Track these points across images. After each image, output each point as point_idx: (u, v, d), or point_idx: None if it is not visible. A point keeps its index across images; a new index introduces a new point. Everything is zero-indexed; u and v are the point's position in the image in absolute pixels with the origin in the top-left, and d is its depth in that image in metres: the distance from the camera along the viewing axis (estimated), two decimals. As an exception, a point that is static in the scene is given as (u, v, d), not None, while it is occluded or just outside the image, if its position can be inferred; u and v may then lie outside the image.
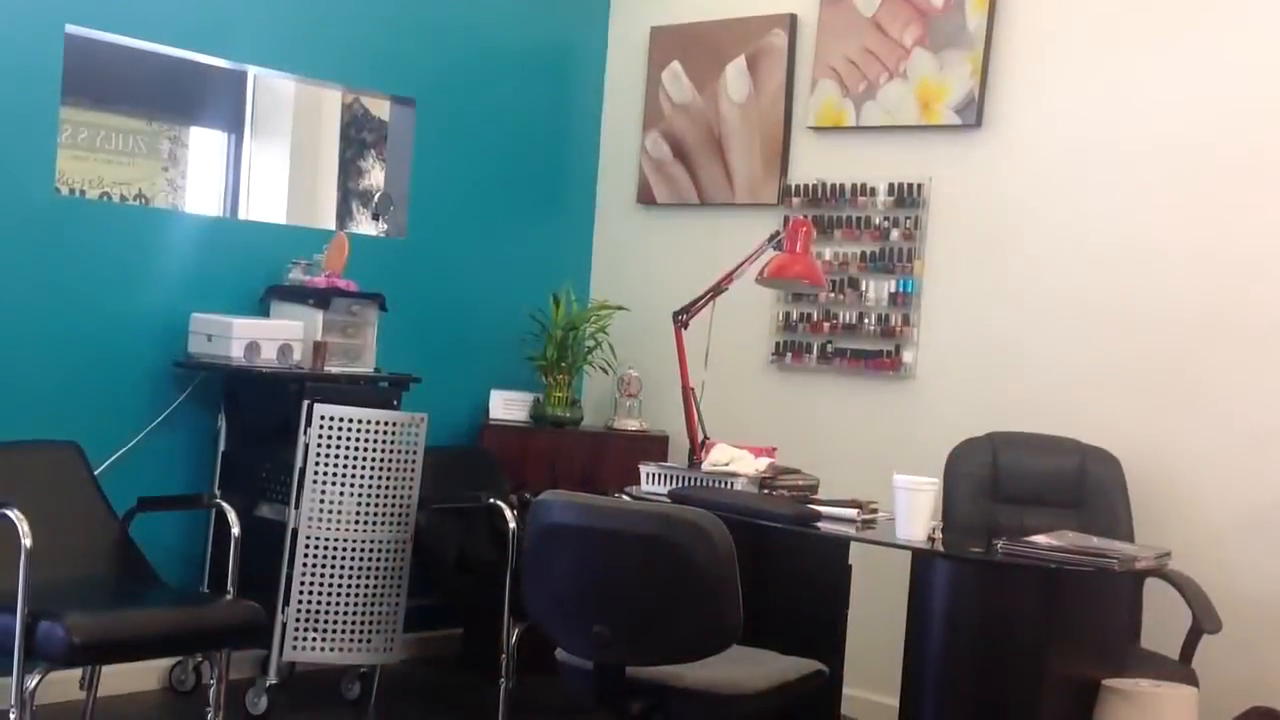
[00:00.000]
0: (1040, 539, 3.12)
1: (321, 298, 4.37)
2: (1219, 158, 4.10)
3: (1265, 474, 3.96)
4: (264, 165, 5.40)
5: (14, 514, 3.25)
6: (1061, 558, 3.01)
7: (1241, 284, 4.04)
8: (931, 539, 3.27)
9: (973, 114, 4.53)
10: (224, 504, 3.81)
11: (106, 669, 3.77)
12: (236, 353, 4.17)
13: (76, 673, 3.75)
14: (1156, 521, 3.98)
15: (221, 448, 4.35)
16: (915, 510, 3.26)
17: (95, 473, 3.93)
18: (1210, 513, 4.03)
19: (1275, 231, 3.99)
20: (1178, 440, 4.11)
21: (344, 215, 5.33)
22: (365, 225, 5.14)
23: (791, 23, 4.99)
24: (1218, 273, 4.09)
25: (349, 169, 5.35)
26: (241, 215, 5.25)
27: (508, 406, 5.13)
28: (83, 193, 5.00)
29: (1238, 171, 4.07)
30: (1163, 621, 3.75)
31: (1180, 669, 3.53)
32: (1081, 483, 4.00)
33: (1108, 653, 3.23)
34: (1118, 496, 3.96)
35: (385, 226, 4.96)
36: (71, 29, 4.09)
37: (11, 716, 3.22)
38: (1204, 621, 3.58)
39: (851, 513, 3.50)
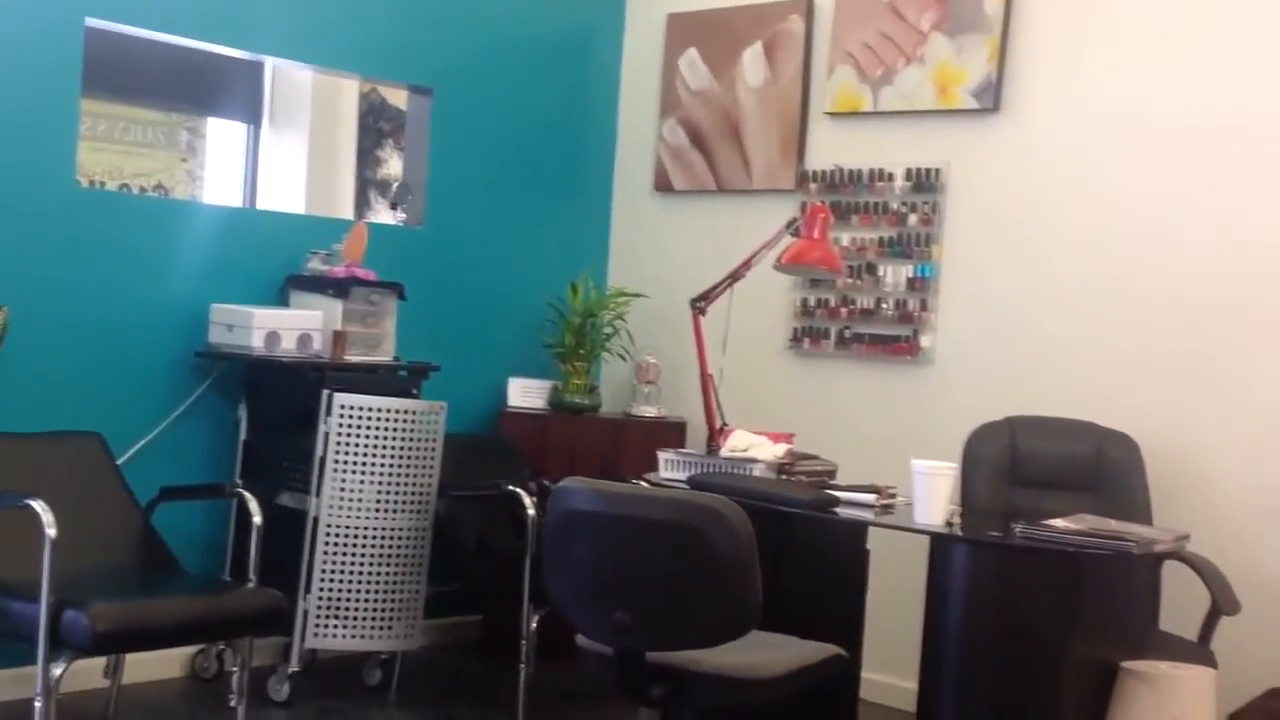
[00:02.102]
0: (1058, 522, 3.12)
1: (341, 287, 4.39)
2: (1239, 142, 4.08)
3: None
4: (282, 155, 5.41)
5: (38, 504, 3.28)
6: (1080, 541, 3.02)
7: (1260, 268, 4.03)
8: (950, 523, 3.28)
9: (990, 98, 4.52)
10: (245, 493, 3.84)
11: (130, 657, 3.81)
12: (257, 342, 4.20)
13: (100, 661, 3.80)
14: (1175, 504, 3.98)
15: (242, 437, 4.38)
16: (933, 495, 3.26)
17: (118, 463, 3.97)
18: (1229, 496, 4.03)
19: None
20: (1196, 424, 4.10)
21: (362, 205, 5.35)
22: (383, 215, 5.16)
23: (808, 8, 4.98)
24: (1236, 256, 4.07)
25: (367, 159, 5.37)
26: (260, 205, 5.27)
27: (526, 394, 5.15)
28: (102, 184, 5.02)
29: (1258, 156, 4.05)
30: (1181, 604, 3.75)
31: (1199, 651, 3.54)
32: (1099, 466, 4.00)
33: (1126, 635, 3.23)
34: (1136, 480, 3.95)
35: (403, 216, 4.98)
36: (92, 22, 4.11)
37: (37, 705, 3.26)
38: (1222, 604, 3.58)
39: (870, 498, 3.51)
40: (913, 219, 4.71)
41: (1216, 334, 4.10)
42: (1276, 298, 4.00)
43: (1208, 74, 4.15)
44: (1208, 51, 4.15)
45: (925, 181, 4.68)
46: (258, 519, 3.75)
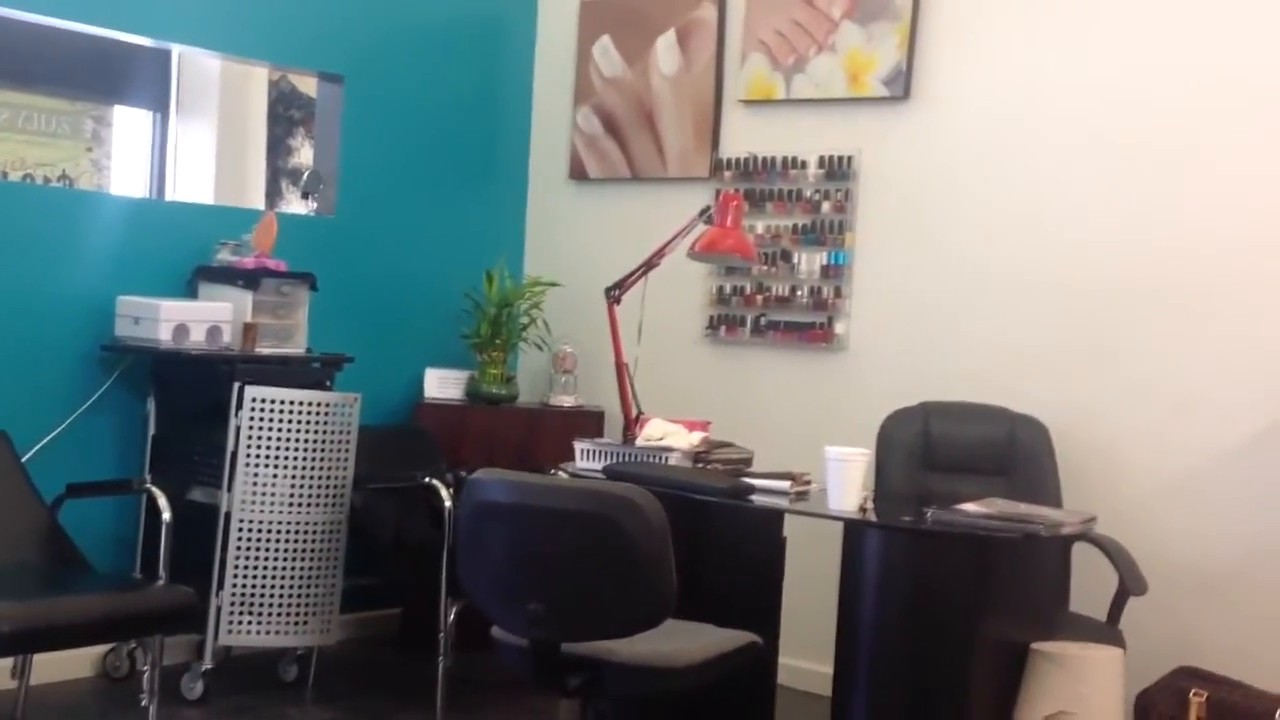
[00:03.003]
0: (969, 506, 3.16)
1: (250, 278, 4.33)
2: (1143, 132, 4.15)
3: (1187, 441, 4.04)
4: (191, 144, 5.32)
5: (-61, 503, 3.20)
6: (989, 525, 3.06)
7: (1163, 257, 4.10)
8: (863, 509, 3.31)
9: (900, 86, 4.56)
10: (154, 489, 3.78)
11: (39, 657, 3.73)
12: (164, 335, 4.13)
13: (8, 662, 3.72)
14: (1084, 487, 4.04)
15: (151, 431, 4.31)
16: (846, 481, 3.29)
17: (23, 460, 3.88)
18: (1136, 479, 4.10)
19: (1196, 206, 4.05)
20: (1104, 408, 4.17)
21: (273, 194, 5.27)
22: (295, 204, 5.09)
23: (720, -4, 4.99)
24: (1140, 245, 4.14)
25: (277, 147, 5.29)
26: (168, 196, 5.17)
27: (443, 384, 5.12)
28: (5, 175, 4.91)
29: (1161, 146, 4.12)
30: (1091, 585, 3.81)
31: (1107, 631, 3.60)
32: (1011, 450, 4.05)
33: (1037, 617, 3.28)
34: (1046, 463, 4.02)
35: (315, 205, 4.92)
36: (-9, 8, 4.02)
37: (-58, 707, 3.19)
38: (1130, 584, 3.65)
39: (785, 485, 3.52)
40: (826, 206, 4.74)
41: (1120, 321, 4.17)
42: (1178, 286, 4.08)
43: (1111, 65, 4.21)
44: (1110, 43, 4.21)
45: (838, 169, 4.71)
46: (167, 515, 3.69)
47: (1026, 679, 3.11)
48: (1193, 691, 3.54)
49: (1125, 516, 3.94)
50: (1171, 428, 4.07)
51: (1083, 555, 3.82)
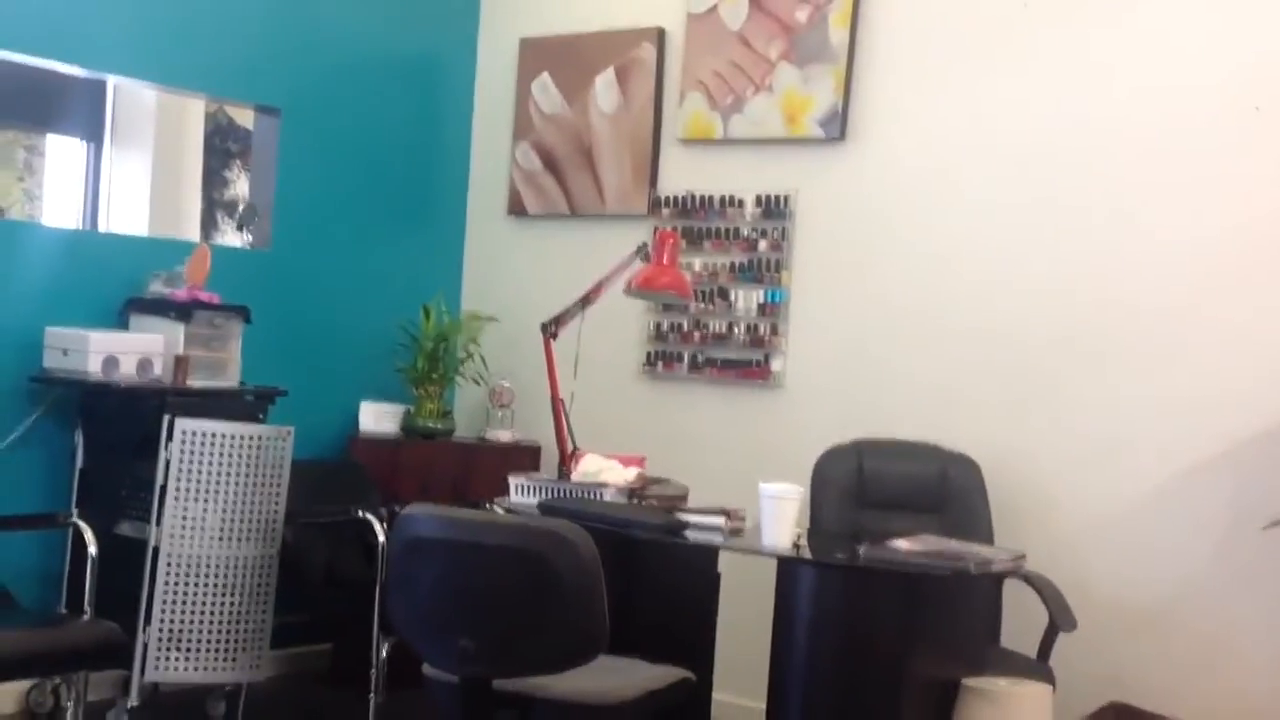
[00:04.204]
0: (900, 543, 3.18)
1: (182, 310, 4.29)
2: (1074, 180, 4.21)
3: (1116, 481, 4.09)
4: (125, 175, 5.27)
5: None
6: (920, 562, 3.08)
7: (1093, 301, 4.16)
8: (797, 546, 3.32)
9: (836, 127, 4.61)
10: (80, 523, 3.72)
11: (-41, 694, 3.66)
12: (94, 367, 4.08)
13: (-74, 699, 3.64)
14: (1016, 525, 4.08)
15: (79, 464, 4.24)
16: (780, 518, 3.30)
17: (-54, 492, 3.82)
18: (1067, 517, 4.15)
19: (1124, 252, 4.12)
20: (1035, 448, 4.22)
21: (208, 226, 5.24)
22: (230, 237, 5.06)
23: (659, 36, 5.03)
24: (1071, 289, 4.20)
25: (213, 179, 5.26)
26: (102, 227, 5.12)
27: (378, 419, 5.09)
28: (-66, 204, 4.84)
29: (1092, 190, 4.19)
30: (1021, 621, 3.84)
31: (1037, 667, 3.63)
32: (944, 488, 4.09)
33: (967, 652, 3.30)
34: (978, 501, 4.05)
35: (250, 238, 4.89)
36: (-80, 35, 3.97)
37: None
38: (1060, 621, 3.68)
39: (719, 521, 3.53)
40: (763, 245, 4.77)
41: (1050, 363, 4.22)
42: (1108, 332, 4.14)
43: (1044, 114, 4.27)
44: (1044, 92, 4.28)
45: (775, 208, 4.75)
46: (93, 549, 3.64)
47: (957, 714, 3.13)
48: (1121, 727, 3.58)
49: (1056, 554, 3.98)
50: (1101, 468, 4.12)
51: (1013, 592, 3.85)
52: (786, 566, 3.20)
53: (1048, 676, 3.55)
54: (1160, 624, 3.98)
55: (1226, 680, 3.85)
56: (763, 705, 3.26)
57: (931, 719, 3.13)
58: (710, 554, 3.67)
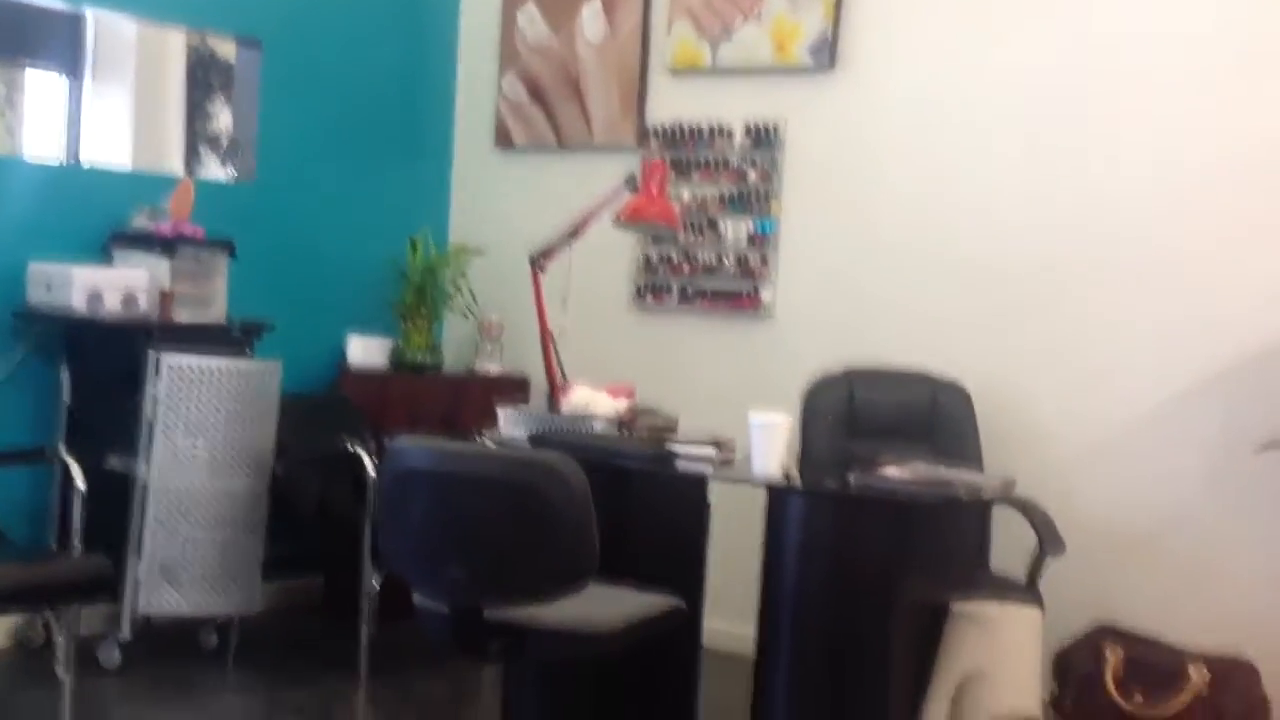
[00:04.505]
0: (891, 471, 3.18)
1: (167, 245, 4.25)
2: (1061, 109, 4.19)
3: (1105, 407, 4.10)
4: (106, 109, 5.20)
5: None
6: (911, 489, 3.08)
7: (1084, 227, 4.16)
8: (786, 475, 3.31)
9: (826, 56, 4.56)
10: (68, 458, 3.71)
11: (-50, 629, 3.67)
12: (78, 302, 4.05)
13: (-82, 634, 3.65)
14: (1005, 451, 4.09)
15: (65, 400, 4.23)
16: (770, 447, 3.29)
17: (-68, 429, 3.80)
18: (1056, 443, 4.16)
19: (1116, 177, 4.10)
20: (1024, 375, 4.22)
21: (191, 160, 5.17)
22: (214, 170, 5.00)
23: (646, -38, 4.96)
24: (1061, 215, 4.19)
25: (195, 112, 5.18)
26: (84, 161, 5.06)
27: (366, 352, 5.07)
28: (-88, 139, 4.77)
29: (1083, 117, 4.16)
30: (1010, 546, 3.86)
31: (1026, 591, 3.64)
32: (933, 415, 4.09)
33: (956, 577, 3.31)
34: (968, 428, 4.05)
35: (234, 171, 4.84)
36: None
37: None
38: (1048, 545, 3.69)
39: (709, 451, 3.51)
40: (752, 175, 4.74)
41: (1040, 290, 4.22)
42: (1093, 261, 4.13)
43: (1033, 44, 4.24)
44: (1034, 22, 4.24)
45: (764, 138, 4.71)
46: (81, 484, 3.62)
47: (946, 638, 3.14)
48: (1109, 648, 3.61)
49: (1044, 479, 4.00)
50: (1090, 393, 4.12)
51: (1002, 517, 3.86)
52: (776, 495, 3.20)
53: (1036, 600, 3.56)
54: (1148, 547, 4.00)
55: (1214, 602, 3.88)
56: (753, 632, 3.27)
57: (921, 643, 3.14)
58: (700, 484, 3.66)
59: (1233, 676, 3.48)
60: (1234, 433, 3.85)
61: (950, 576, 3.29)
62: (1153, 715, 3.48)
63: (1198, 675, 3.45)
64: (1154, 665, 3.54)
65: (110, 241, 4.34)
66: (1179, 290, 3.98)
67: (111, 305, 4.11)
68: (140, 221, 4.34)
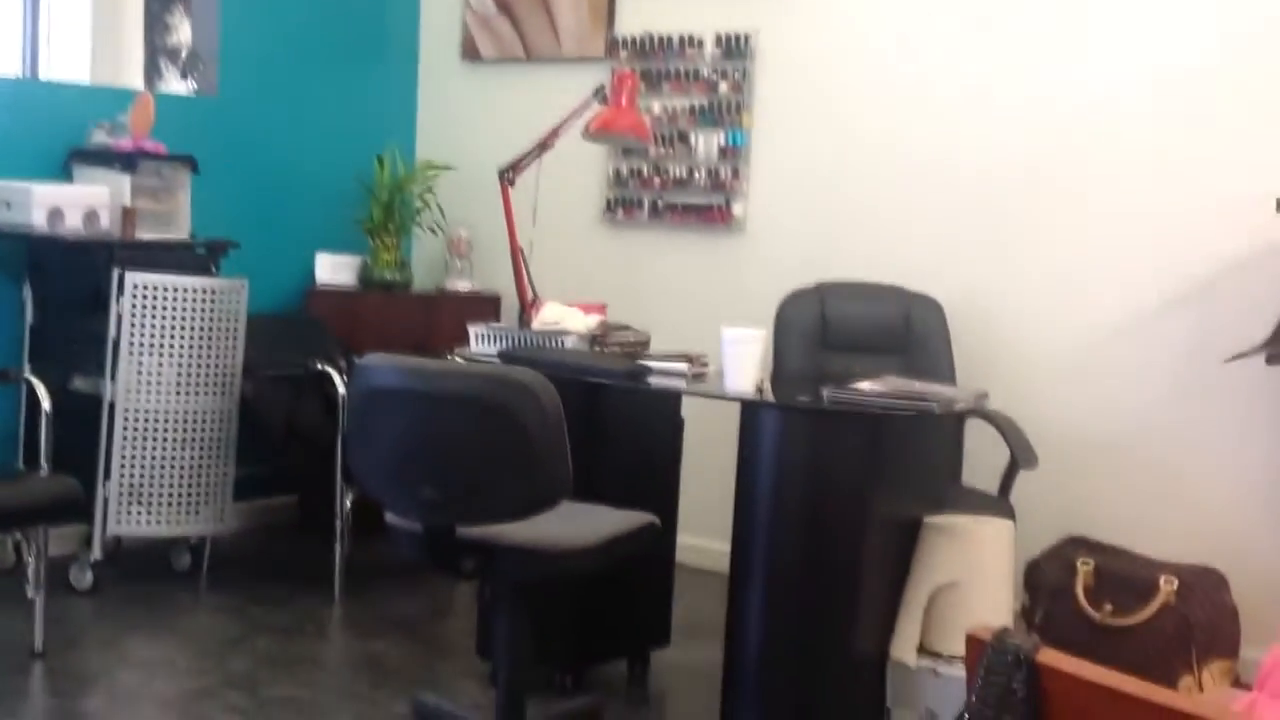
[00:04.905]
0: (864, 385, 3.16)
1: (127, 161, 4.17)
2: (1041, 17, 4.12)
3: (1078, 320, 4.09)
4: (64, 22, 5.07)
5: None
6: (884, 403, 3.07)
7: (1055, 141, 4.11)
8: (760, 390, 3.30)
9: (798, -38, 4.48)
10: (32, 378, 3.66)
11: (-82, 552, 3.64)
12: (38, 220, 3.98)
13: (-115, 558, 3.62)
14: (978, 364, 4.09)
15: (29, 320, 4.17)
16: (743, 362, 3.27)
17: (-108, 351, 3.74)
18: (1028, 355, 4.16)
19: (1088, 91, 4.06)
20: (996, 287, 4.21)
21: (151, 74, 5.07)
22: (174, 84, 4.90)
23: None
24: (1034, 128, 4.15)
25: (155, 24, 5.07)
26: (41, 76, 4.95)
27: (335, 270, 5.01)
28: None
29: (1058, 27, 4.10)
30: (982, 459, 3.87)
31: (998, 504, 3.66)
32: (907, 329, 4.08)
33: (929, 491, 3.32)
34: (940, 341, 4.05)
35: (194, 85, 4.74)
36: None
37: None
38: (1020, 458, 3.71)
39: (682, 367, 3.50)
40: (723, 86, 4.67)
41: (1012, 202, 4.19)
42: (1069, 170, 4.10)
43: (1010, -63, 4.17)
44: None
45: (735, 48, 4.63)
46: (47, 405, 3.59)
47: (919, 551, 3.15)
48: (1080, 559, 3.63)
49: (1017, 392, 4.00)
50: (1063, 306, 4.11)
51: (975, 431, 3.87)
52: (750, 410, 3.19)
53: (1008, 512, 3.58)
54: (1119, 459, 4.02)
55: (1184, 513, 3.90)
56: (727, 548, 3.27)
57: (894, 556, 3.15)
58: (673, 400, 3.66)
59: (1201, 585, 3.52)
60: (1203, 344, 3.86)
61: (923, 490, 3.29)
62: (1122, 625, 3.51)
63: (1167, 585, 3.48)
64: (1124, 576, 3.57)
65: (70, 158, 4.25)
66: (1150, 203, 3.96)
67: (73, 223, 4.04)
68: (100, 137, 4.25)
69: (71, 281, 4.10)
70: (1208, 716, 1.23)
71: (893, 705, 3.11)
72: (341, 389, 4.10)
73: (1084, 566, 3.61)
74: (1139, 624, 3.49)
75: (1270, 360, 3.54)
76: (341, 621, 4.02)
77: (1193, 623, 3.45)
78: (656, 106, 4.76)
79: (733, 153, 4.67)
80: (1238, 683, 3.54)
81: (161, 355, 4.03)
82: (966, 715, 1.42)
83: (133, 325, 3.98)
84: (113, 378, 3.99)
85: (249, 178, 4.80)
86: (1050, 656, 1.38)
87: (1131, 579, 3.56)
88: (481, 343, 3.77)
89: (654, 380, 3.40)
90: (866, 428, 3.09)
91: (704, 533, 4.24)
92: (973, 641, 1.45)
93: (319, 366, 4.23)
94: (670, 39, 4.75)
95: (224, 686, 3.41)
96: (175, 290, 4.03)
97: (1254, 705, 2.00)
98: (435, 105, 5.37)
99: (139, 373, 4.01)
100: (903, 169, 4.36)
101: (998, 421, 3.74)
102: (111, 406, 4.00)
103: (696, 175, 4.73)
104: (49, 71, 4.97)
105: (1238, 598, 3.61)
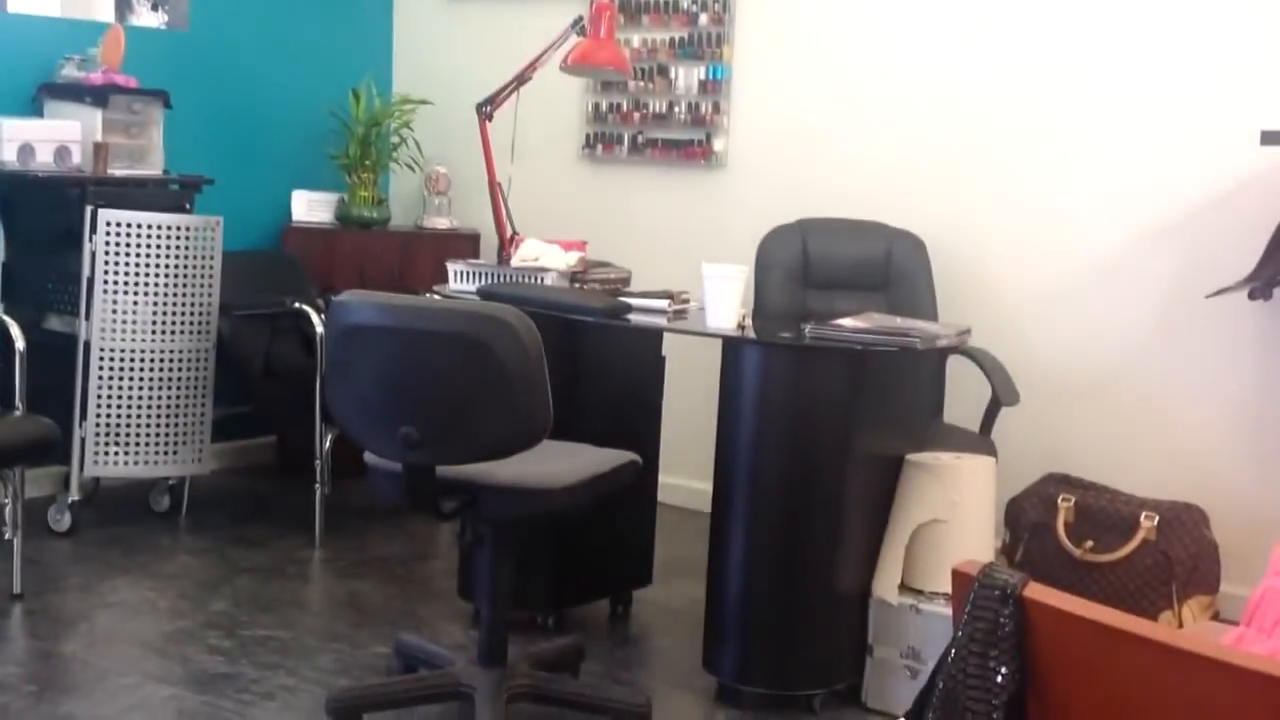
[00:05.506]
0: (846, 321, 3.14)
1: (98, 95, 4.10)
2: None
3: (1060, 256, 4.07)
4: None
5: None
6: (866, 339, 3.05)
7: (1038, 76, 4.07)
8: (741, 326, 3.28)
9: (780, -109, 4.40)
10: (5, 318, 3.62)
11: (-109, 494, 3.60)
12: (8, 156, 3.91)
13: None
14: (960, 301, 4.07)
15: (1, 259, 4.11)
16: (724, 299, 3.24)
17: None
18: (1010, 292, 4.14)
19: (1070, 25, 4.01)
20: (979, 224, 4.18)
21: (122, 6, 4.97)
22: (145, 17, 4.80)
23: None
24: (1017, 64, 4.10)
25: (124, -44, 4.96)
26: (9, 7, 4.85)
27: (311, 207, 4.96)
28: None
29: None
30: (964, 396, 3.86)
31: (980, 441, 3.66)
32: (888, 266, 4.05)
33: (911, 428, 3.31)
34: (922, 278, 4.02)
35: (166, 18, 4.65)
36: None
37: None
38: (1002, 395, 3.70)
39: (663, 304, 3.47)
40: (704, 19, 4.61)
41: (995, 137, 4.16)
42: (1052, 103, 4.06)
43: None
44: None
45: (716, -21, 4.57)
46: (20, 344, 3.55)
47: (901, 489, 3.14)
48: (1061, 496, 3.63)
49: (999, 329, 3.99)
50: (1045, 242, 4.09)
51: (957, 367, 3.86)
52: (731, 347, 3.16)
53: (990, 450, 3.58)
54: (1100, 396, 4.02)
55: (1165, 449, 3.91)
56: (709, 486, 3.27)
57: (876, 494, 3.14)
58: (654, 337, 3.63)
59: (1182, 521, 3.52)
60: (1185, 280, 3.84)
61: (905, 427, 3.28)
62: (1102, 561, 3.52)
63: (1147, 522, 3.49)
64: (1105, 513, 3.57)
65: (39, 92, 4.17)
66: (1133, 138, 3.93)
67: (44, 158, 3.97)
68: (69, 71, 4.17)
69: (44, 219, 4.03)
70: (1198, 649, 1.22)
71: (874, 642, 3.11)
72: (319, 327, 4.06)
73: (1064, 504, 3.62)
74: (1119, 560, 3.50)
75: (1252, 295, 3.53)
76: (322, 562, 4.01)
77: (1173, 559, 3.46)
78: (635, 39, 4.70)
79: (713, 87, 4.61)
80: (1217, 618, 3.56)
81: (136, 294, 3.98)
82: (953, 650, 1.41)
83: (107, 264, 3.93)
84: (87, 317, 3.94)
85: (223, 113, 4.72)
86: (1038, 591, 1.36)
87: (1112, 516, 3.56)
88: (460, 280, 3.73)
89: (635, 317, 3.38)
90: (848, 364, 3.07)
91: (686, 472, 4.23)
92: (959, 576, 1.43)
93: (296, 305, 4.19)
94: (650, -29, 4.68)
95: (204, 627, 3.40)
96: (150, 228, 3.98)
97: (1241, 640, 2.00)
98: (411, 38, 5.29)
99: (114, 312, 3.96)
100: (885, 105, 4.32)
101: (980, 358, 3.73)
102: (87, 346, 3.96)
103: (677, 110, 4.68)
104: (17, 3, 4.87)
105: (1219, 534, 3.62)
